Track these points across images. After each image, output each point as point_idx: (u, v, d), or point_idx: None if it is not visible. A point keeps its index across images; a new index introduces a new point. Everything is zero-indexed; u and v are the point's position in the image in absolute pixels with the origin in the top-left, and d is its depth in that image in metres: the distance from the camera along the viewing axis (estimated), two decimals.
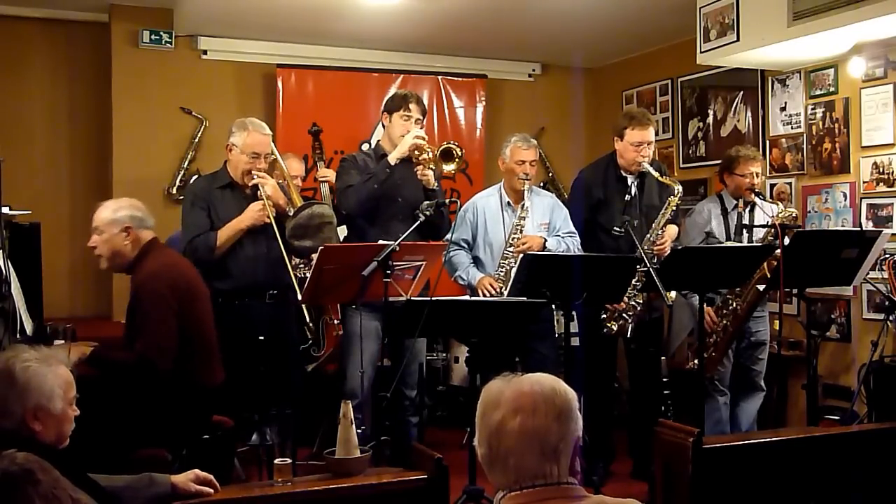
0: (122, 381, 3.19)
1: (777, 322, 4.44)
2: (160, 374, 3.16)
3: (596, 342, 4.41)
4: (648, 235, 4.31)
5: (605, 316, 4.37)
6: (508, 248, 4.31)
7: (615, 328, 4.38)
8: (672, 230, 4.52)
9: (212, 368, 3.43)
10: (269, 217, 3.84)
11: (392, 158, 4.13)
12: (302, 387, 4.43)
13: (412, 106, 4.23)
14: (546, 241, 4.38)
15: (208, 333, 3.44)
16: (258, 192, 3.91)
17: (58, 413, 2.24)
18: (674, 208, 4.38)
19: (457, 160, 4.13)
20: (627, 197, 4.51)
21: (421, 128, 4.24)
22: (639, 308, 4.36)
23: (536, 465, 1.62)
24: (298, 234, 3.92)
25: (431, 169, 4.11)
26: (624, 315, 4.38)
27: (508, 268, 4.23)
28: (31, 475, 1.57)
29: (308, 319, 3.85)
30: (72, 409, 2.31)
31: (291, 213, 3.93)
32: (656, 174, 4.41)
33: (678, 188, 4.35)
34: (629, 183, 4.54)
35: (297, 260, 4.26)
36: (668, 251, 4.23)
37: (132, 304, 3.28)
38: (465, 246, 4.49)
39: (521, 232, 4.33)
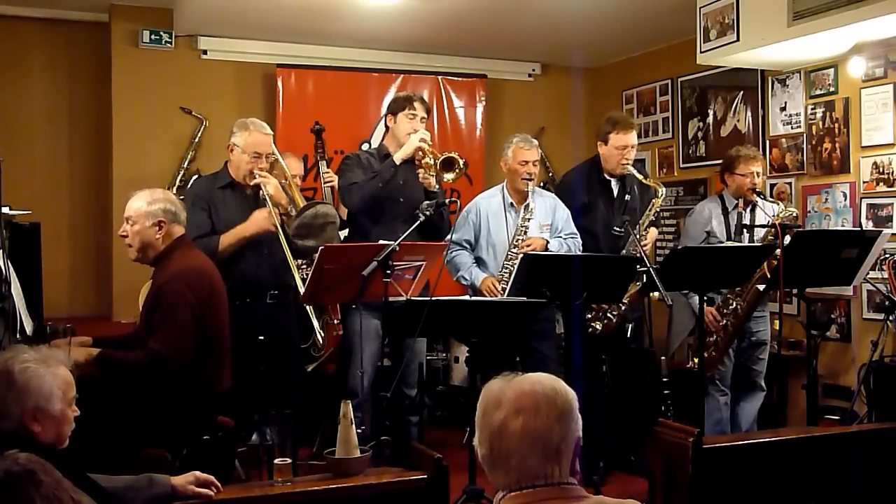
0: (130, 381, 3.16)
1: (777, 322, 4.44)
2: (170, 374, 3.14)
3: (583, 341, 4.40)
4: (632, 237, 4.34)
5: (589, 315, 4.38)
6: (512, 250, 4.31)
7: (599, 327, 4.40)
8: (653, 234, 4.58)
9: (222, 372, 3.43)
10: (274, 226, 3.84)
11: (397, 158, 4.15)
12: (303, 387, 4.42)
13: (416, 105, 4.26)
14: (548, 242, 4.40)
15: (224, 338, 3.42)
16: (259, 193, 3.91)
17: (57, 414, 2.24)
18: (657, 209, 4.46)
19: (458, 170, 4.13)
20: (615, 200, 4.59)
21: (425, 127, 4.27)
22: (623, 308, 4.37)
23: (538, 466, 1.62)
24: (302, 233, 3.92)
25: (432, 175, 4.13)
26: (609, 314, 4.39)
27: (512, 269, 4.23)
28: (34, 476, 1.57)
29: (318, 326, 3.83)
30: (71, 409, 2.30)
31: (294, 213, 3.93)
32: (640, 176, 4.49)
33: (662, 190, 4.44)
34: (612, 186, 4.62)
35: (299, 261, 4.25)
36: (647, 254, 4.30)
37: (152, 302, 3.26)
38: (467, 246, 4.49)
39: (525, 233, 4.33)
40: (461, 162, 4.15)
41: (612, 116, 4.69)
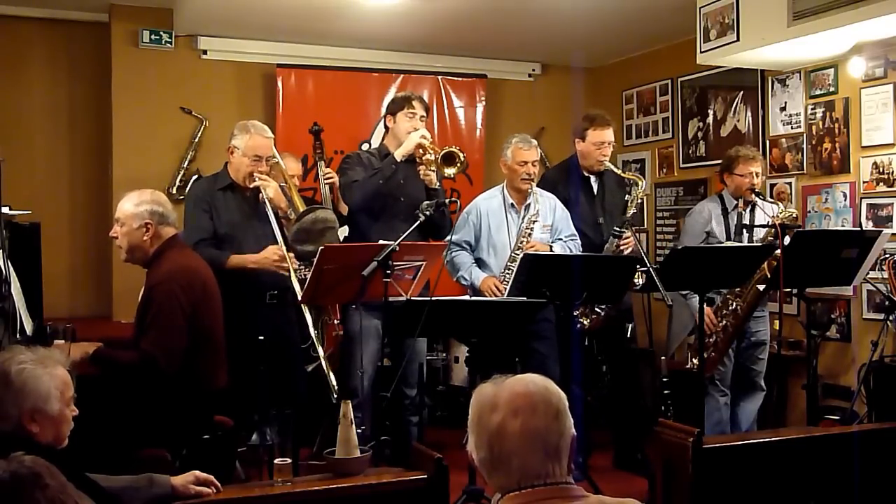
0: (124, 381, 3.17)
1: (777, 322, 4.44)
2: (163, 375, 3.14)
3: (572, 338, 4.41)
4: (616, 229, 4.40)
5: (577, 312, 4.39)
6: (517, 251, 4.30)
7: (587, 323, 4.41)
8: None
9: (218, 371, 3.43)
10: (285, 271, 3.80)
11: (398, 155, 4.18)
12: (305, 387, 4.42)
13: (415, 104, 4.29)
14: (551, 246, 4.40)
15: (218, 337, 3.42)
16: (259, 195, 3.91)
17: (55, 414, 2.24)
18: (639, 199, 4.53)
19: (459, 164, 4.15)
20: (595, 196, 4.69)
21: (425, 125, 4.29)
22: (610, 305, 4.40)
23: (540, 465, 1.62)
24: (301, 238, 3.91)
25: (433, 171, 4.14)
26: (596, 309, 4.40)
27: (515, 270, 4.23)
28: (40, 479, 1.57)
29: (315, 332, 3.82)
30: (69, 409, 2.30)
31: (294, 217, 3.93)
32: (618, 171, 4.61)
33: (642, 182, 4.55)
34: (592, 182, 4.72)
35: (297, 263, 4.25)
36: (630, 249, 4.36)
37: (144, 303, 3.26)
38: (467, 248, 4.49)
39: (529, 236, 4.33)
40: (461, 156, 4.17)
41: (588, 114, 4.78)
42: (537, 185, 4.54)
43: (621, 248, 4.37)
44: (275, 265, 3.86)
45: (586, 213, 4.64)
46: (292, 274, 3.78)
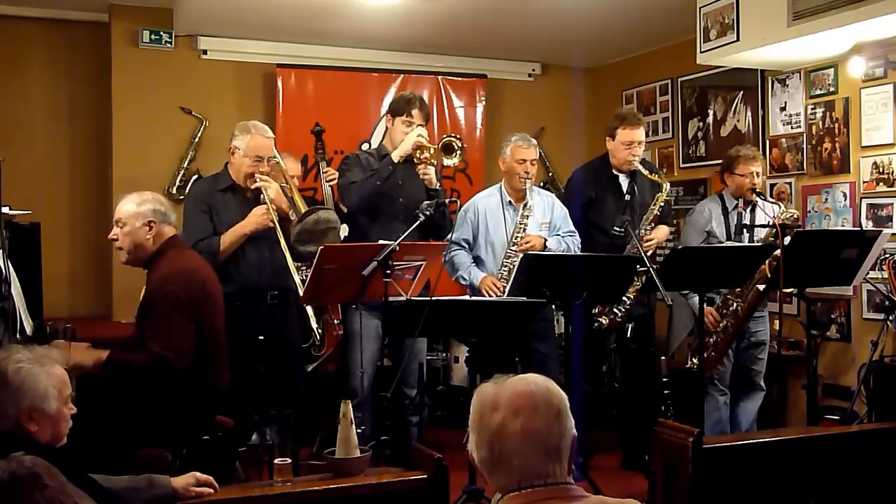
0: (138, 384, 3.14)
1: (777, 322, 4.44)
2: (177, 374, 3.12)
3: (587, 337, 4.41)
4: (637, 231, 4.37)
5: (595, 311, 4.39)
6: (511, 248, 4.32)
7: (606, 322, 4.41)
8: (662, 231, 4.63)
9: (220, 371, 3.42)
10: (272, 221, 3.84)
11: (395, 156, 4.17)
12: (306, 387, 4.42)
13: (415, 112, 4.25)
14: (546, 240, 4.40)
15: (220, 337, 3.41)
16: (261, 196, 3.91)
17: (53, 413, 2.24)
18: (661, 204, 4.51)
19: (458, 152, 4.15)
20: (625, 196, 4.60)
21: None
22: (629, 304, 4.39)
23: (541, 465, 1.62)
24: (304, 238, 3.91)
25: (432, 165, 4.13)
26: (615, 309, 4.40)
27: (511, 267, 4.24)
28: (39, 479, 1.57)
29: (316, 325, 3.83)
30: (68, 407, 2.30)
31: (296, 218, 3.92)
32: (645, 172, 4.53)
33: (666, 186, 4.50)
34: (621, 182, 4.67)
35: (298, 263, 4.26)
36: (653, 250, 4.35)
37: (146, 306, 3.23)
38: (466, 246, 4.50)
39: (524, 231, 4.34)
40: (459, 143, 4.18)
41: (619, 112, 4.78)
42: (567, 181, 4.52)
43: (644, 248, 4.34)
44: (264, 220, 3.86)
45: (611, 212, 4.58)
46: (278, 230, 3.81)
